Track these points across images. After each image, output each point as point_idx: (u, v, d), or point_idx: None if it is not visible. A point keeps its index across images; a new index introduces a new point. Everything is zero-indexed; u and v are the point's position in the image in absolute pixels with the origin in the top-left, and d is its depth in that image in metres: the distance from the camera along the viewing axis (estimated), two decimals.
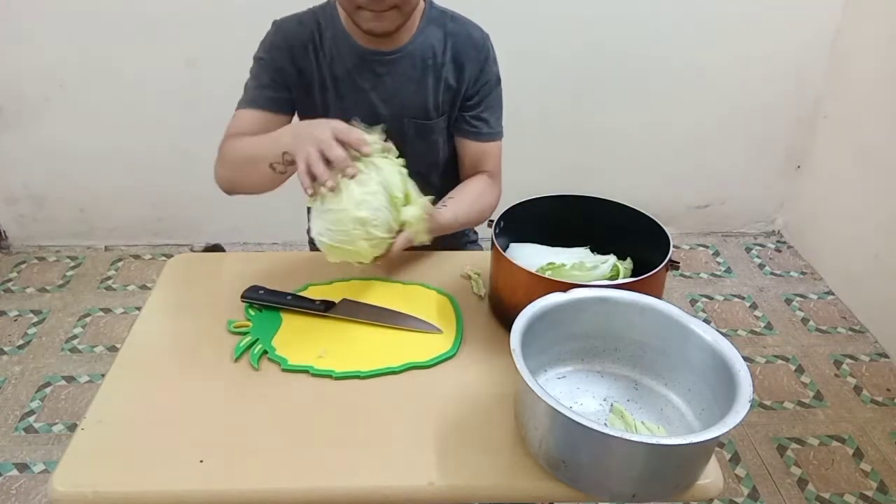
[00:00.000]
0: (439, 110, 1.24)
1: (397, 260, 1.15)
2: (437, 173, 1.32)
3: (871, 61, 2.19)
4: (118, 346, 2.03)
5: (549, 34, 2.23)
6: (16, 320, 2.18)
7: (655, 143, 2.48)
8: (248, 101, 1.19)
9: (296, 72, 1.20)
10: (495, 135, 1.28)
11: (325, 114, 1.22)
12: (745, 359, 0.80)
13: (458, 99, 1.24)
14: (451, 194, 1.23)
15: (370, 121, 1.21)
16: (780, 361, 2.06)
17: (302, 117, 1.25)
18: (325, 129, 0.95)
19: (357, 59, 1.19)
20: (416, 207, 1.01)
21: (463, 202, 1.22)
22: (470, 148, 1.28)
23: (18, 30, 2.14)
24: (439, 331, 1.02)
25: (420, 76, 1.20)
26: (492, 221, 1.07)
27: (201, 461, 0.82)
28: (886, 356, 2.09)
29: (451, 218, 1.16)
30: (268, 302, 1.06)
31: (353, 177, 0.94)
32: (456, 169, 1.34)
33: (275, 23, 1.21)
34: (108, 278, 2.38)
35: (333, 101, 1.22)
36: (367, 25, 1.11)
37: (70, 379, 1.95)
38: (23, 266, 2.44)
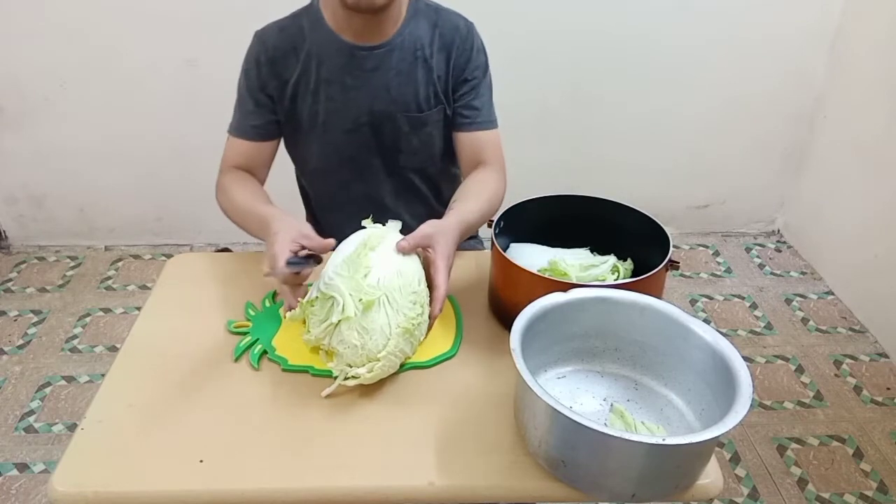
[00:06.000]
0: (430, 102, 1.23)
1: None
2: (434, 168, 1.32)
3: (871, 61, 2.19)
4: (118, 346, 2.03)
5: (547, 34, 2.23)
6: (16, 320, 2.18)
7: (655, 144, 2.48)
8: (235, 129, 1.24)
9: (280, 83, 1.19)
10: (490, 122, 1.26)
11: (314, 119, 1.22)
12: (745, 359, 0.80)
13: (449, 89, 1.23)
14: (454, 196, 1.18)
15: (363, 120, 1.21)
16: (780, 361, 2.06)
17: (290, 126, 1.25)
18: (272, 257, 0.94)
19: (346, 56, 1.18)
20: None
21: (468, 200, 1.14)
22: (467, 139, 1.25)
23: (18, 30, 2.14)
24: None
25: (409, 68, 1.20)
26: (492, 221, 1.07)
27: (201, 461, 0.82)
28: (886, 356, 2.09)
29: (462, 219, 1.07)
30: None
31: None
32: (453, 165, 1.33)
33: (256, 34, 1.20)
34: (108, 278, 2.38)
35: (323, 104, 1.21)
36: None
37: (70, 379, 1.95)
38: (23, 266, 2.44)
